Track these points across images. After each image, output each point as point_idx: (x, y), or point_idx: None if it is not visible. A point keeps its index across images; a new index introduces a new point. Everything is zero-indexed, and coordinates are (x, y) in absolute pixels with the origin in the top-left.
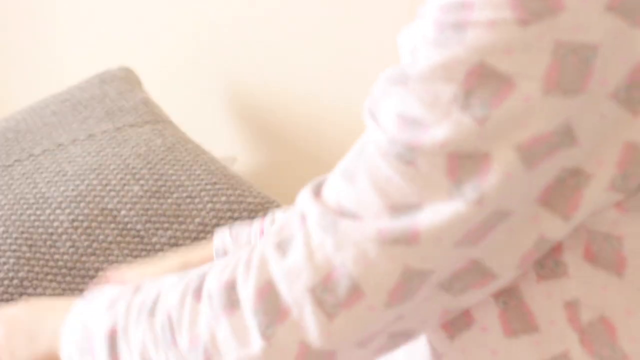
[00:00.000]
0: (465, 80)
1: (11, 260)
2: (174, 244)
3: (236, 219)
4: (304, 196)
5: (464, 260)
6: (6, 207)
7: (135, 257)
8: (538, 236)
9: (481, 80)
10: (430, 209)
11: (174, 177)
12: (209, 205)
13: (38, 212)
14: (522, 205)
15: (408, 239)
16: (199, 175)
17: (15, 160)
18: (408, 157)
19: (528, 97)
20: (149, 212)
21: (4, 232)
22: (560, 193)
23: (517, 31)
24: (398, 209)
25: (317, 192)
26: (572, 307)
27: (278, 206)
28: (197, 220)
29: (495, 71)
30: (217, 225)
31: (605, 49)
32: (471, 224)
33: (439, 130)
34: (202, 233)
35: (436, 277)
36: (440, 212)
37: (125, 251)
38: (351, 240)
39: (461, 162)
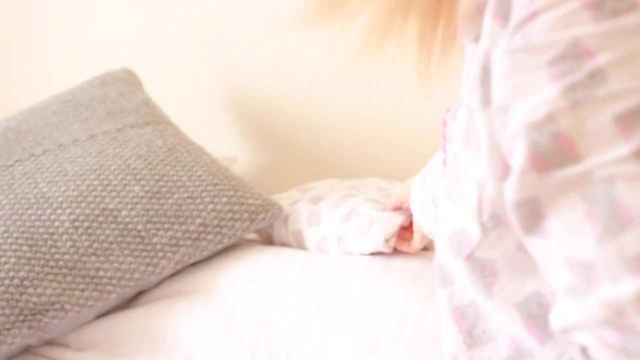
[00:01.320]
0: None
1: (12, 260)
2: (175, 244)
3: (237, 220)
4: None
5: None
6: (7, 206)
7: (136, 257)
8: None
9: None
10: None
11: (174, 178)
12: (210, 206)
13: (39, 212)
14: None
15: None
16: (200, 176)
17: (17, 160)
18: None
19: None
20: (150, 213)
21: (4, 231)
22: None
23: None
24: None
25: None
26: None
27: (279, 208)
28: (198, 220)
29: None
30: (218, 226)
31: None
32: None
33: None
34: (203, 234)
35: None
36: None
37: (126, 251)
38: None
39: None
